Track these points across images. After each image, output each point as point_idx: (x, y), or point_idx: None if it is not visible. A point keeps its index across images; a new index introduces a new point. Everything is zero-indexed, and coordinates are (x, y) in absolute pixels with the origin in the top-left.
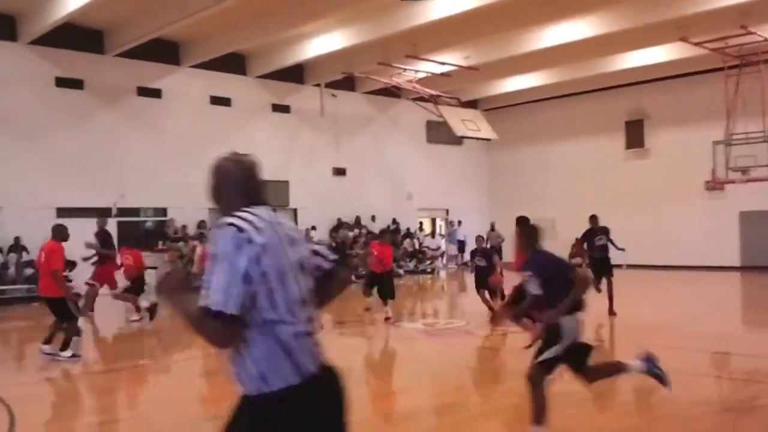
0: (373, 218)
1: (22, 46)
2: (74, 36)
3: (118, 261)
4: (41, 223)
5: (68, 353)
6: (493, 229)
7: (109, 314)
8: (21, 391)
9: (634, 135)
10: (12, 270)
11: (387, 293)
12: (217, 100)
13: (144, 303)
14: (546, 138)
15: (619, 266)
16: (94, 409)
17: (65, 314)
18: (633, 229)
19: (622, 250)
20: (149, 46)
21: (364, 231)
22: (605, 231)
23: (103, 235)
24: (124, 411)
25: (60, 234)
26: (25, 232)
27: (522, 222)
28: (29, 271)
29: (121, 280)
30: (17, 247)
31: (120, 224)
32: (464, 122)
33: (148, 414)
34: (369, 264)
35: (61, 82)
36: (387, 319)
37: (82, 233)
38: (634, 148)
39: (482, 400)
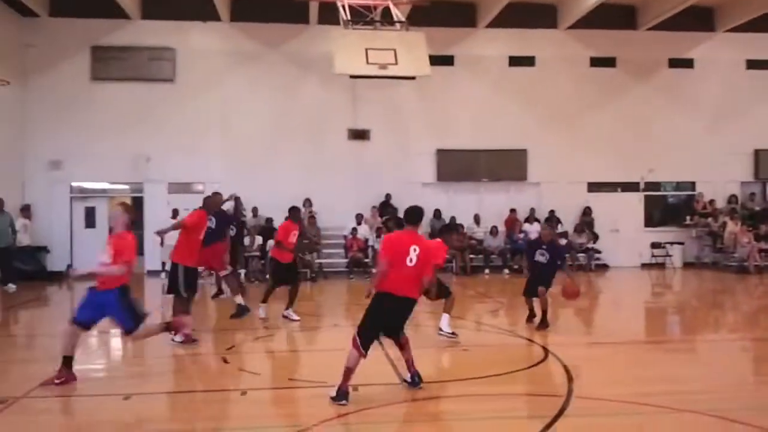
0: None
1: (561, 32)
2: (607, 16)
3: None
4: (575, 196)
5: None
6: None
7: None
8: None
9: None
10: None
11: (293, 287)
12: (754, 64)
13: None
14: None
15: None
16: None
17: None
18: None
19: None
20: (681, 15)
21: None
22: None
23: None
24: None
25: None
26: (560, 204)
27: None
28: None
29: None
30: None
31: (646, 198)
32: None
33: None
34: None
35: (595, 62)
36: (286, 317)
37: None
38: None
39: None
